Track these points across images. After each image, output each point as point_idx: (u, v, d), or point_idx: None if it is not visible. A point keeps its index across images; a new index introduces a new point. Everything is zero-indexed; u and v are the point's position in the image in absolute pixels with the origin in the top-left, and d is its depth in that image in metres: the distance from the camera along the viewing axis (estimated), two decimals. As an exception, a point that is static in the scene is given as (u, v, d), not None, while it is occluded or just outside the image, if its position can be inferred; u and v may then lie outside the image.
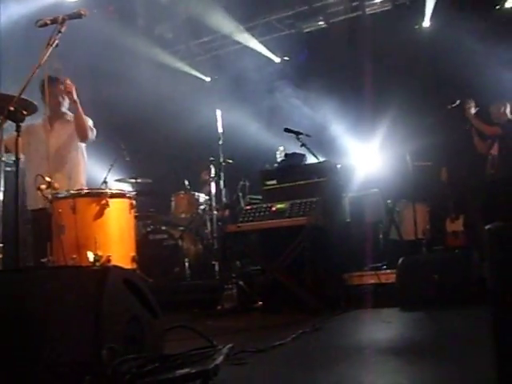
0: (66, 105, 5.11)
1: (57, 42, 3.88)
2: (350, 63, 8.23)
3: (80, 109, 4.82)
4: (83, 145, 5.11)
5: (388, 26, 8.24)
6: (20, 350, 2.41)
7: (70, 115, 5.11)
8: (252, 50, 9.24)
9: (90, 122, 5.04)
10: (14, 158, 3.72)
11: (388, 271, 5.48)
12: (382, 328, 4.12)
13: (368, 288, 5.48)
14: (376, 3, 8.96)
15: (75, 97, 4.77)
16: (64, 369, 2.31)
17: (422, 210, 7.32)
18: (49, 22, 3.96)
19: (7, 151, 4.57)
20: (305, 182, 5.65)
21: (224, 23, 8.77)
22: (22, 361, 2.39)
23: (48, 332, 2.40)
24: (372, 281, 5.44)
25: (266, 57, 9.40)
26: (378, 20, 8.73)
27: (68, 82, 4.75)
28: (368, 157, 7.77)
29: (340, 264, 5.35)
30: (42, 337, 2.40)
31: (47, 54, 3.86)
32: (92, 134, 5.04)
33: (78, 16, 3.97)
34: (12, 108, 3.71)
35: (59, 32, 3.90)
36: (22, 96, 3.81)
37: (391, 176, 7.13)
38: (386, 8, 8.89)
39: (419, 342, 3.44)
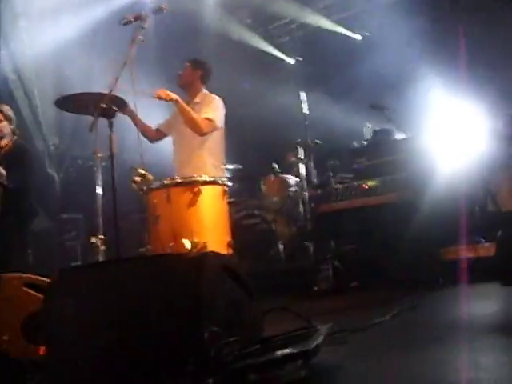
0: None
1: (141, 37, 3.99)
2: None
3: (181, 106, 4.69)
4: (209, 139, 4.91)
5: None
6: (128, 337, 2.52)
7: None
8: (330, 30, 9.12)
9: (207, 114, 4.82)
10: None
11: (486, 244, 5.29)
12: (482, 304, 4.00)
13: (466, 262, 5.32)
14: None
15: (171, 96, 4.61)
16: (169, 351, 2.40)
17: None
18: (132, 19, 4.07)
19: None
20: (395, 158, 5.54)
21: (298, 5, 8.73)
22: (129, 347, 2.50)
23: (152, 318, 2.49)
24: (470, 255, 5.27)
25: (345, 35, 9.25)
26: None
27: (159, 91, 4.62)
28: (458, 126, 7.50)
29: (435, 239, 5.22)
30: (146, 323, 2.50)
31: (133, 51, 3.98)
32: (209, 125, 4.80)
33: (160, 11, 4.06)
34: (104, 105, 3.84)
35: (142, 28, 4.01)
36: (113, 93, 3.95)
37: (486, 146, 6.86)
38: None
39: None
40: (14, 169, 4.97)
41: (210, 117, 4.77)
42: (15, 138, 5.26)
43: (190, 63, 5.07)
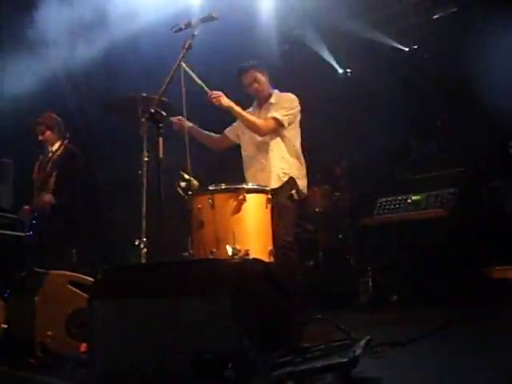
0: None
1: (191, 43, 4.04)
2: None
3: (237, 112, 4.53)
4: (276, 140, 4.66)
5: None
6: (169, 338, 2.55)
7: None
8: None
9: (274, 113, 4.57)
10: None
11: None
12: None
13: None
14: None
15: (223, 103, 4.43)
16: (209, 356, 2.42)
17: None
18: (183, 26, 4.13)
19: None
20: (441, 173, 5.48)
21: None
22: (171, 347, 2.53)
23: (192, 321, 2.52)
24: (514, 275, 5.16)
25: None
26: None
27: (213, 93, 4.44)
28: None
29: (480, 257, 5.13)
30: (188, 325, 2.53)
31: (183, 57, 4.03)
32: (271, 124, 4.56)
33: (210, 19, 4.10)
34: (153, 110, 3.91)
35: (193, 35, 4.06)
36: (162, 98, 4.02)
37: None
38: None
39: None
40: (63, 181, 5.27)
41: (276, 115, 4.56)
42: (66, 141, 5.44)
43: (252, 69, 4.68)
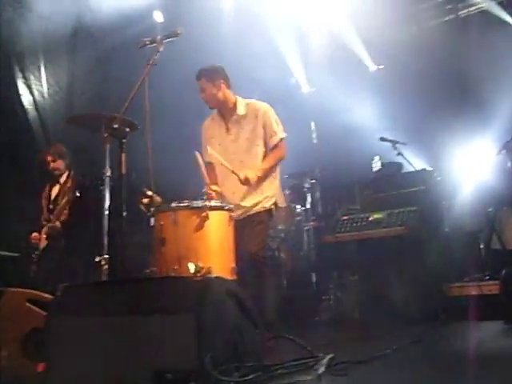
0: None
1: (155, 59, 4.02)
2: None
3: (262, 176, 4.38)
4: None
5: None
6: (130, 356, 2.52)
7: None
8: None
9: (276, 136, 4.46)
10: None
11: (491, 282, 5.27)
12: (485, 341, 3.96)
13: (469, 300, 5.29)
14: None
15: (254, 181, 4.30)
16: (169, 375, 2.40)
17: (526, 218, 6.99)
18: (148, 42, 4.12)
19: None
20: (402, 191, 5.55)
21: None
22: (131, 366, 2.49)
23: (153, 339, 2.49)
24: (474, 292, 5.24)
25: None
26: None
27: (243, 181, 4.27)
28: (465, 161, 7.52)
29: (439, 274, 5.21)
30: (148, 344, 2.49)
31: (146, 73, 4.02)
32: (283, 149, 4.51)
33: (175, 35, 4.09)
34: (116, 125, 3.88)
35: (157, 51, 4.05)
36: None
37: (491, 181, 6.86)
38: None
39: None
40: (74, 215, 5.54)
41: (281, 136, 4.46)
42: (72, 173, 5.82)
43: (204, 78, 4.44)
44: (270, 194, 4.46)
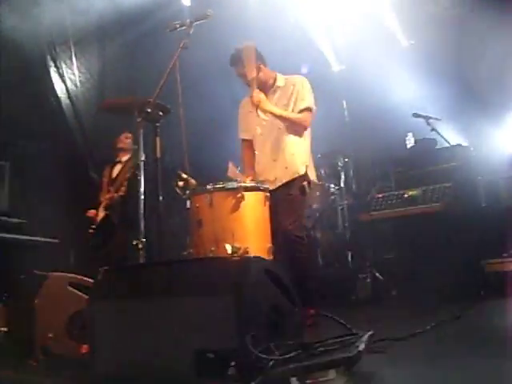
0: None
1: (186, 42, 4.02)
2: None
3: (278, 114, 4.41)
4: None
5: None
6: (170, 337, 2.55)
7: None
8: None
9: (304, 103, 4.47)
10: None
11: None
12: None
13: (508, 276, 5.23)
14: None
15: (268, 108, 4.39)
16: (210, 354, 2.42)
17: None
18: (178, 25, 4.12)
19: None
20: (437, 168, 5.49)
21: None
22: (172, 346, 2.53)
23: (195, 320, 2.51)
24: (512, 268, 5.17)
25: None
26: None
27: (254, 96, 4.37)
28: (501, 136, 7.39)
29: (477, 251, 5.15)
30: (189, 325, 2.52)
31: (177, 57, 4.02)
32: (310, 116, 4.49)
33: (205, 17, 4.07)
34: (149, 110, 3.91)
35: (188, 34, 4.05)
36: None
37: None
38: None
39: None
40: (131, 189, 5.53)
41: (308, 105, 4.45)
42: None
43: (240, 64, 4.46)
44: (300, 162, 4.46)
